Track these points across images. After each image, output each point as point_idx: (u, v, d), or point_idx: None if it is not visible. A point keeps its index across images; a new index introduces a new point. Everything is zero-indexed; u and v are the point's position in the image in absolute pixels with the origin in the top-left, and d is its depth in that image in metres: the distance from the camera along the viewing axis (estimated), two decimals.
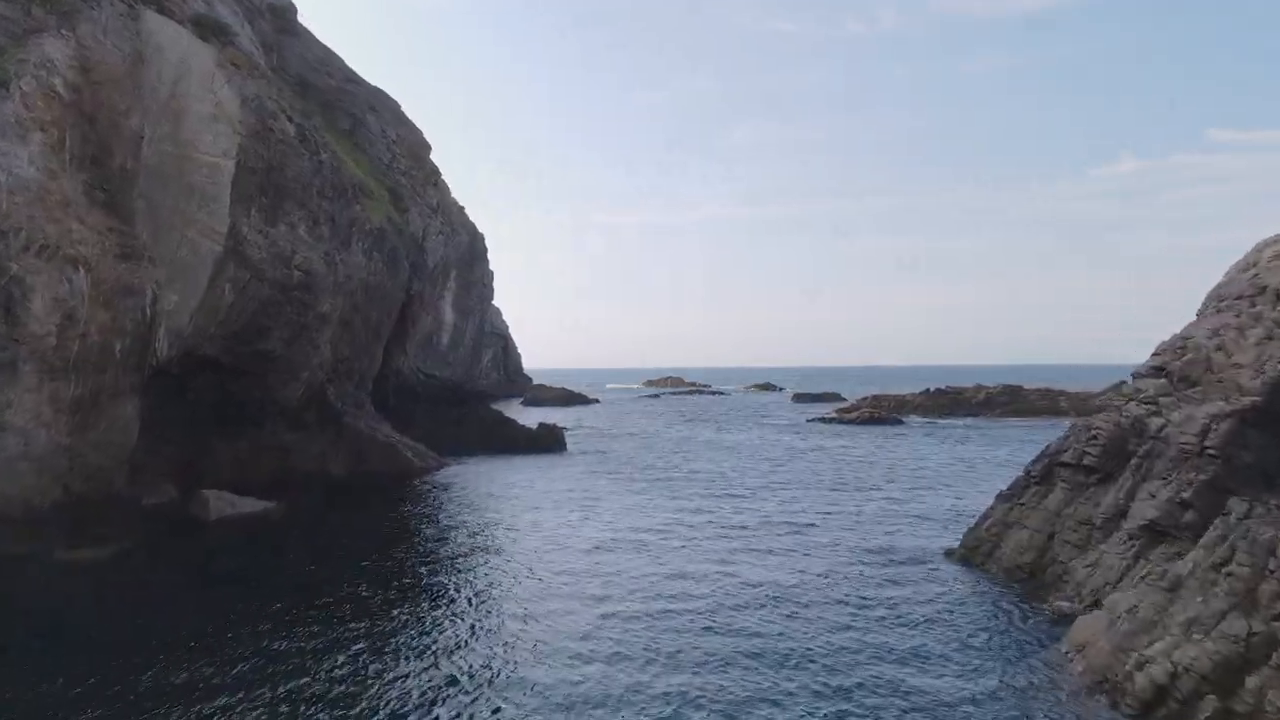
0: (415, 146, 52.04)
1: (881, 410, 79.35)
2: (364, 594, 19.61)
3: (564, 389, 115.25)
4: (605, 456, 48.65)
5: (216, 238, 33.62)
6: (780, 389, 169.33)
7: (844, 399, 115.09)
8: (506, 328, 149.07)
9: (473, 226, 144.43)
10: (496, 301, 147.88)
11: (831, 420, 74.63)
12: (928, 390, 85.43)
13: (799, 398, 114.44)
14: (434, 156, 56.57)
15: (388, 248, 42.98)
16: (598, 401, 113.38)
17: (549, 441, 49.85)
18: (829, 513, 29.96)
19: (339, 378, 40.52)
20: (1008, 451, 51.24)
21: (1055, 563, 19.08)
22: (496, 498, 34.24)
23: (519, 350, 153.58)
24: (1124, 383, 76.08)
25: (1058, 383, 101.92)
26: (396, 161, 50.22)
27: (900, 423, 73.17)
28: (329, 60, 51.84)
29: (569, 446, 53.00)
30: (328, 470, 37.60)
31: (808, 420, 76.18)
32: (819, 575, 20.93)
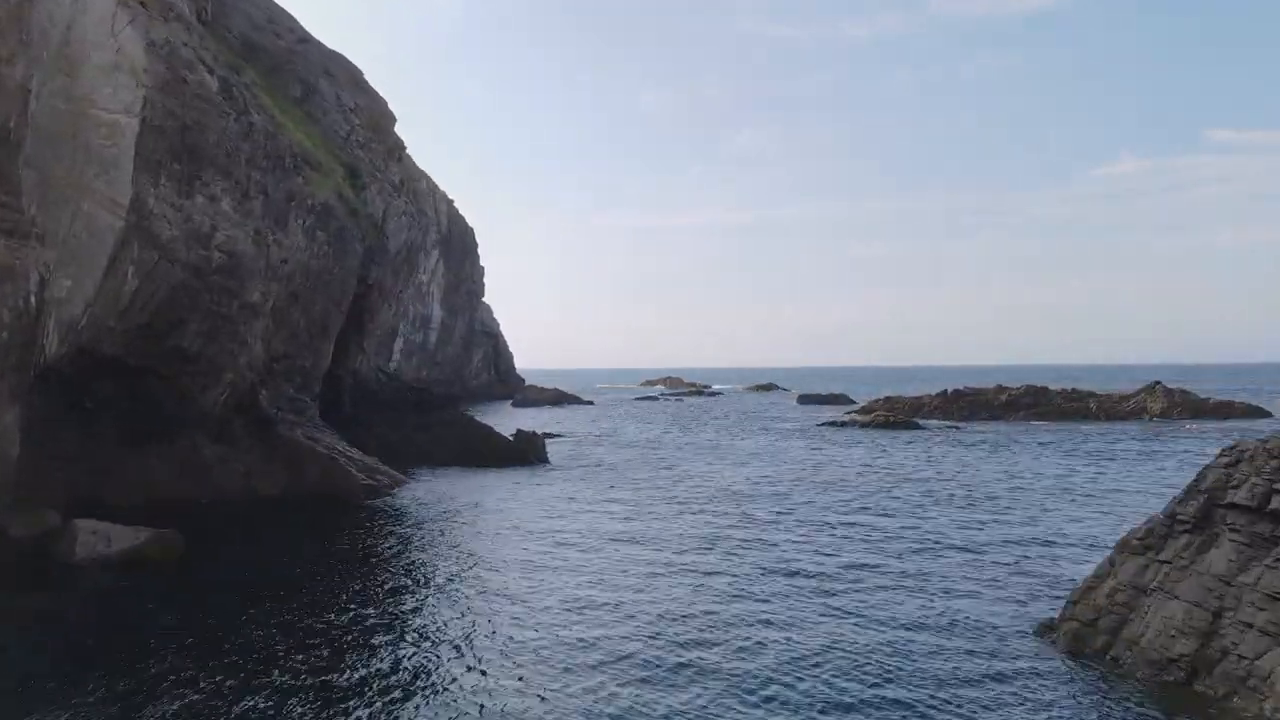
0: (376, 117, 45.79)
1: (897, 413, 73.17)
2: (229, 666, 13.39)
3: (556, 390, 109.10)
4: (592, 471, 42.44)
5: (117, 211, 27.42)
6: (783, 389, 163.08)
7: (852, 401, 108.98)
8: (497, 326, 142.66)
9: (463, 221, 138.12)
10: (488, 299, 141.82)
11: (845, 425, 68.40)
12: (944, 392, 79.26)
13: (805, 399, 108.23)
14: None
15: (335, 227, 36.77)
16: (591, 404, 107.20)
17: (527, 453, 43.63)
18: (861, 561, 23.71)
19: (274, 379, 34.31)
20: (1057, 461, 45.04)
21: (1230, 656, 12.91)
22: (450, 529, 28.01)
23: (511, 350, 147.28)
24: (1157, 383, 69.11)
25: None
26: (354, 133, 44.00)
27: (918, 427, 67.02)
28: (278, 18, 45.57)
29: (552, 458, 46.82)
30: (256, 490, 31.40)
31: (818, 425, 69.96)
32: (834, 687, 14.72)
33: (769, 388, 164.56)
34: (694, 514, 30.24)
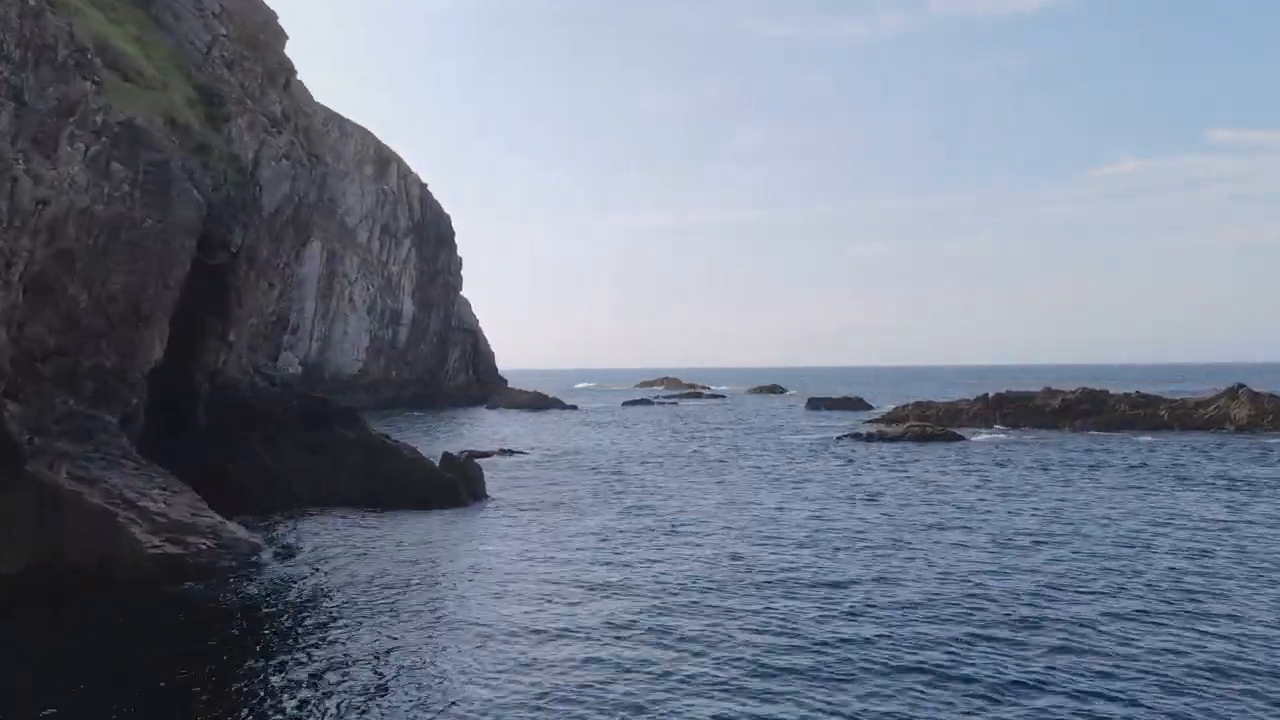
0: (254, 28, 33.66)
1: (932, 422, 61.21)
2: None
3: (535, 393, 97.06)
4: (541, 515, 30.39)
5: None
6: (788, 391, 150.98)
7: (867, 405, 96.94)
8: (476, 322, 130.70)
9: (437, 207, 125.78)
10: (466, 293, 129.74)
11: (872, 438, 56.34)
12: (985, 397, 67.22)
13: (815, 404, 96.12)
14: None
15: (150, 162, 24.69)
16: (574, 408, 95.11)
17: (456, 488, 31.60)
18: None
19: (37, 386, 22.31)
20: (1184, 493, 32.95)
21: None
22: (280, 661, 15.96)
23: (491, 348, 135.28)
24: (1240, 387, 56.25)
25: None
26: (218, 47, 31.94)
27: (959, 438, 55.10)
28: None
29: (499, 488, 34.87)
30: None
31: (838, 438, 57.92)
32: None
33: (772, 389, 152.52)
34: (690, 628, 18.12)
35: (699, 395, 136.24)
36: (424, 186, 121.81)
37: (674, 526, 27.53)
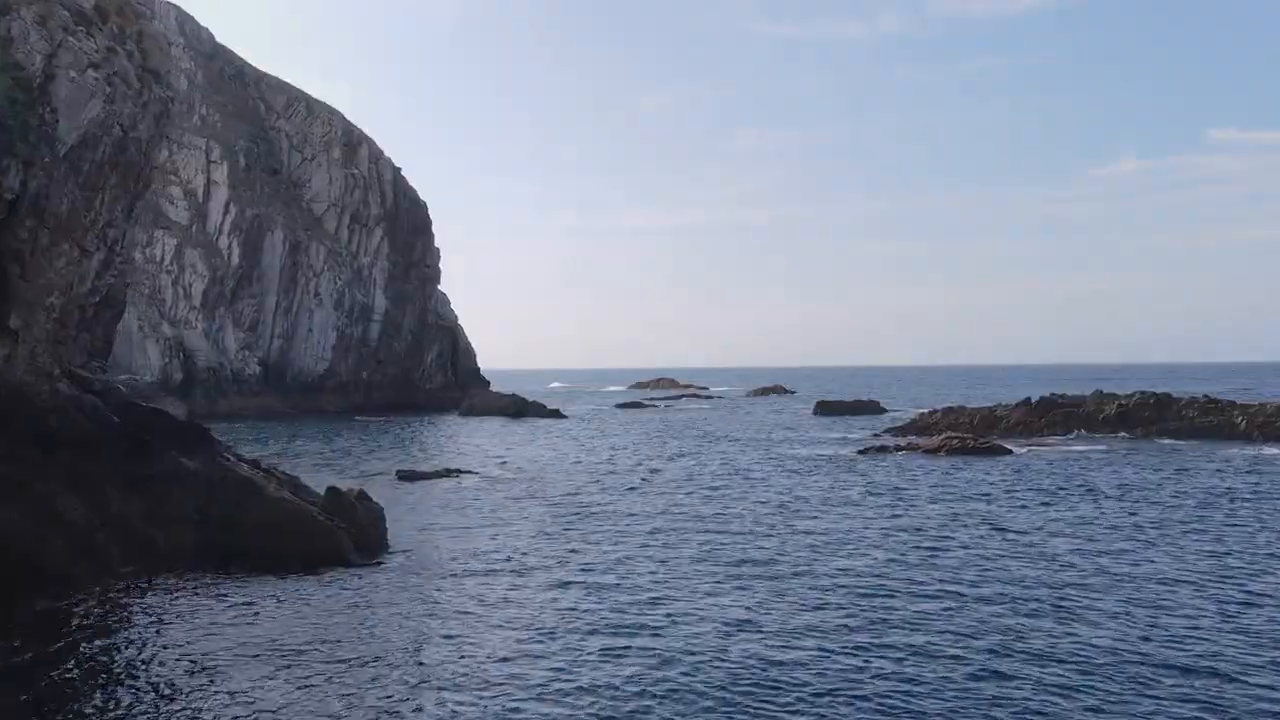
0: None
1: (968, 431, 51.81)
2: None
3: (514, 396, 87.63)
4: (446, 593, 21.01)
5: None
6: (791, 393, 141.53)
7: (882, 408, 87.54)
8: (456, 318, 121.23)
9: (413, 194, 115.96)
10: (445, 288, 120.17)
11: (902, 450, 46.91)
12: (1028, 402, 57.73)
13: (824, 408, 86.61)
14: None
15: None
16: (557, 414, 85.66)
17: (332, 544, 22.17)
18: None
19: None
20: None
21: None
22: None
23: (473, 346, 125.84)
24: None
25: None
26: None
27: (1005, 451, 45.78)
28: None
29: (411, 530, 25.56)
30: None
31: (860, 452, 48.51)
32: None
33: (774, 391, 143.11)
34: None
35: (696, 397, 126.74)
36: (397, 171, 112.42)
37: (639, 622, 17.99)
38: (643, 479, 37.08)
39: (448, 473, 38.91)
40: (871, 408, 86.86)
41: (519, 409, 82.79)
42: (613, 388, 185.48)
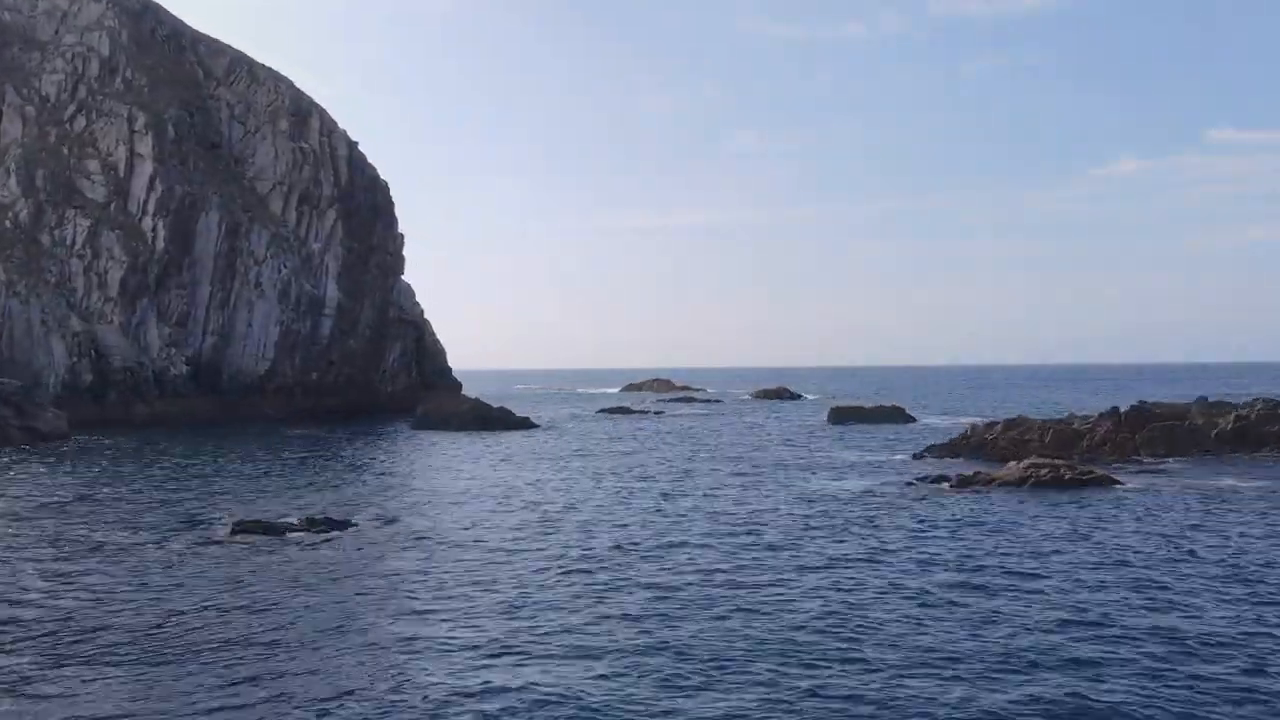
0: None
1: (1040, 450, 38.98)
2: None
3: (478, 403, 74.69)
4: None
5: None
6: (800, 397, 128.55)
7: (909, 416, 74.78)
8: (421, 312, 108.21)
9: (372, 172, 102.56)
10: (410, 278, 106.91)
11: (967, 485, 33.88)
12: (1115, 414, 44.79)
13: (841, 415, 73.69)
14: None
15: None
16: (525, 424, 72.73)
17: None
18: None
19: None
20: None
21: None
22: None
23: (441, 344, 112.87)
24: None
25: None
26: None
27: (1112, 483, 33.00)
28: None
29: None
30: None
31: (908, 483, 35.62)
32: None
33: (781, 394, 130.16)
34: None
35: (692, 400, 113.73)
36: (354, 146, 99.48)
37: None
38: (601, 561, 23.83)
39: (310, 525, 26.11)
40: (895, 415, 74.00)
41: (481, 418, 69.91)
42: (603, 389, 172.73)
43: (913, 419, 74.23)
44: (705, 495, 33.31)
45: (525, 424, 71.80)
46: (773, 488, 35.31)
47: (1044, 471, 32.50)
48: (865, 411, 74.81)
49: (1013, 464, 34.29)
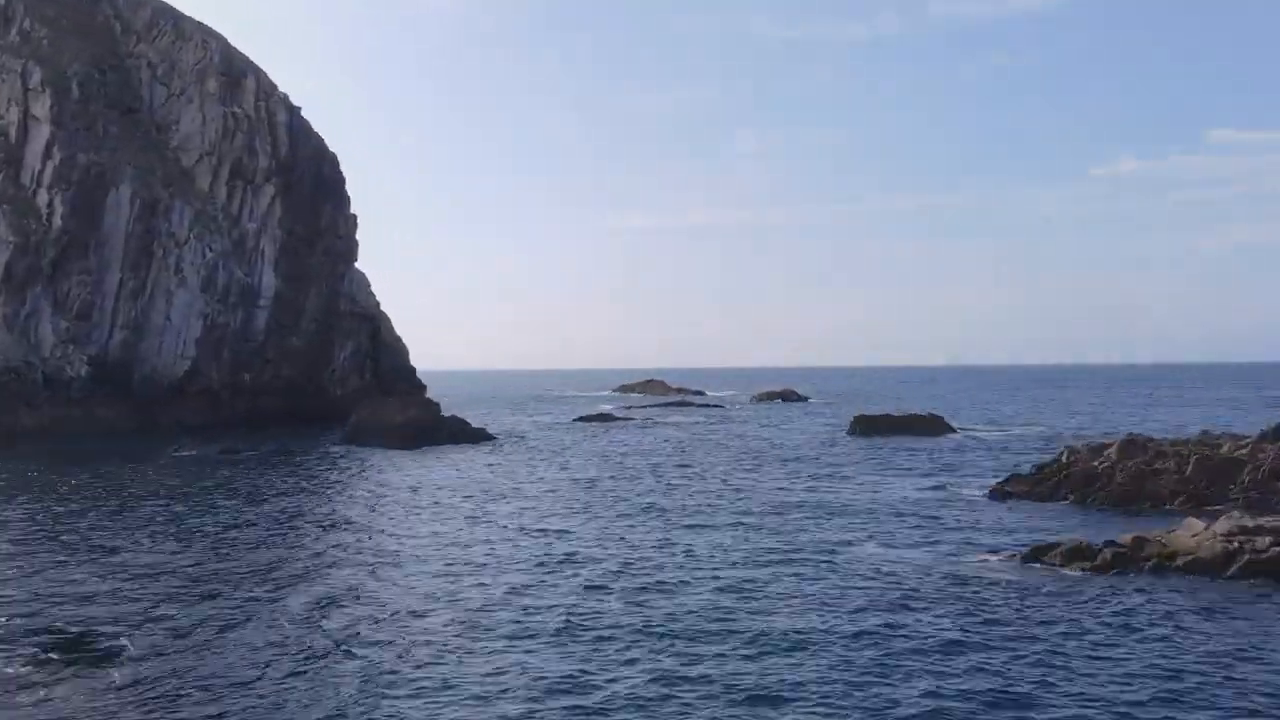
0: None
1: (1179, 479, 25.99)
2: None
3: (422, 411, 61.50)
4: None
5: None
6: (806, 400, 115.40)
7: (949, 425, 61.82)
8: (376, 304, 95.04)
9: (318, 142, 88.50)
10: (365, 266, 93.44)
11: (1131, 569, 20.66)
12: (1275, 434, 31.74)
13: (867, 425, 60.46)
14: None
15: None
16: (482, 435, 59.59)
17: None
18: None
19: None
20: None
21: None
22: None
23: (404, 341, 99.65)
24: None
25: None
26: None
27: None
28: None
29: None
30: None
31: (1014, 558, 22.42)
32: None
33: (786, 396, 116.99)
34: None
35: (687, 405, 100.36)
36: (295, 111, 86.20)
37: None
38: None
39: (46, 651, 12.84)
40: (931, 425, 60.91)
41: (426, 430, 56.78)
42: (595, 391, 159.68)
43: (951, 428, 61.23)
44: (662, 592, 19.82)
45: (480, 436, 58.70)
46: (786, 570, 21.86)
47: (1264, 545, 19.16)
48: (896, 421, 61.60)
49: (1194, 524, 21.00)
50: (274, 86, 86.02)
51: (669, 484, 36.67)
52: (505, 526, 27.34)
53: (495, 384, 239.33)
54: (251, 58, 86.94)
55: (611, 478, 39.22)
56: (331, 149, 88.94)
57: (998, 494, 31.78)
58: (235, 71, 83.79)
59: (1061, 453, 34.08)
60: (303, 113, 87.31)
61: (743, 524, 26.87)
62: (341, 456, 49.65)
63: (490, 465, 44.37)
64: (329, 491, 36.02)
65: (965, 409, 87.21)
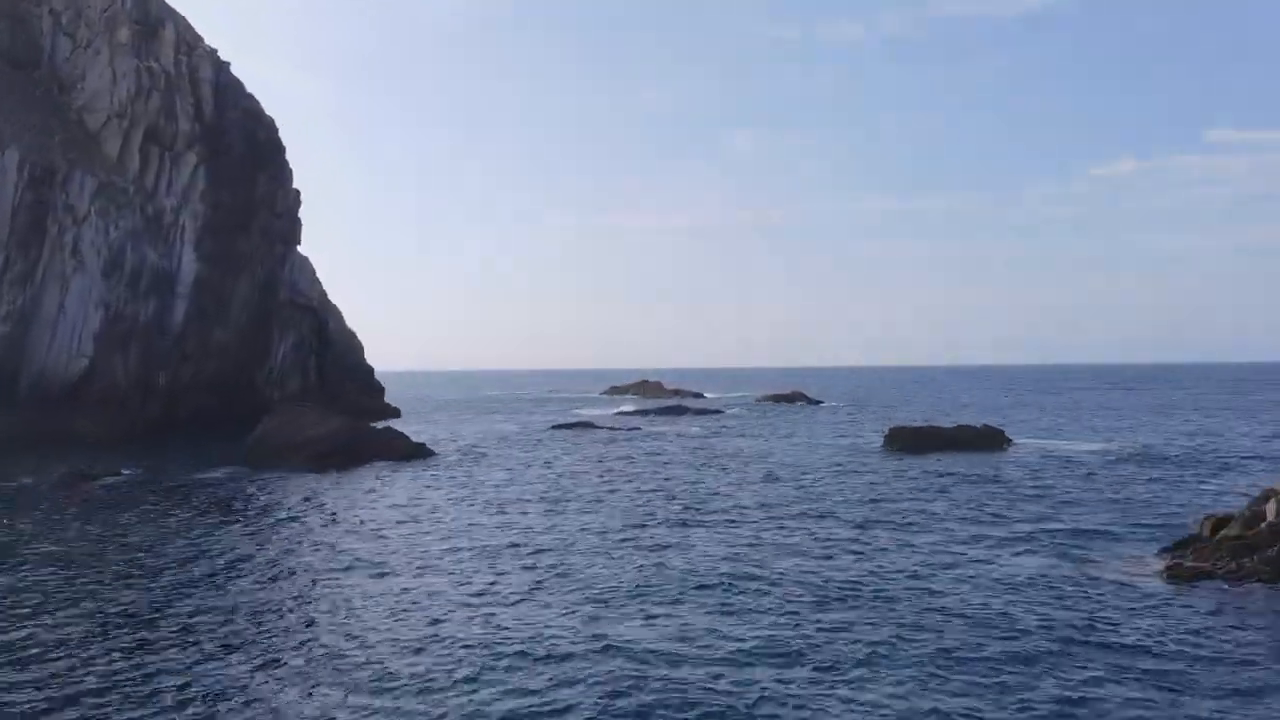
0: None
1: None
2: None
3: (346, 422, 49.14)
4: None
5: None
6: (817, 403, 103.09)
7: (1007, 438, 49.76)
8: (322, 294, 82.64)
9: (252, 104, 73.35)
10: (309, 250, 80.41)
11: None
12: None
13: (907, 441, 48.14)
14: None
15: None
16: (421, 451, 47.34)
17: None
18: None
19: None
20: None
21: None
22: None
23: (359, 337, 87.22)
24: None
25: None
26: None
27: None
28: None
29: None
30: None
31: None
32: None
33: (794, 399, 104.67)
34: None
35: (683, 410, 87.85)
36: (224, 67, 73.83)
37: None
38: None
39: None
40: (986, 440, 48.66)
41: (346, 447, 44.45)
42: (586, 393, 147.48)
43: (1008, 441, 49.23)
44: None
45: (416, 453, 46.43)
46: None
47: None
48: (938, 435, 49.29)
49: None
50: (199, 39, 73.66)
51: (638, 567, 24.02)
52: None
53: (481, 384, 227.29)
54: (178, 9, 74.41)
55: (553, 544, 26.85)
56: (268, 113, 76.20)
57: (1176, 571, 19.59)
58: (151, 20, 71.40)
59: (1248, 509, 21.76)
60: (232, 67, 74.71)
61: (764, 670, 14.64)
62: (215, 486, 37.24)
63: (398, 506, 31.91)
64: (183, 534, 23.79)
65: (992, 415, 74.76)
